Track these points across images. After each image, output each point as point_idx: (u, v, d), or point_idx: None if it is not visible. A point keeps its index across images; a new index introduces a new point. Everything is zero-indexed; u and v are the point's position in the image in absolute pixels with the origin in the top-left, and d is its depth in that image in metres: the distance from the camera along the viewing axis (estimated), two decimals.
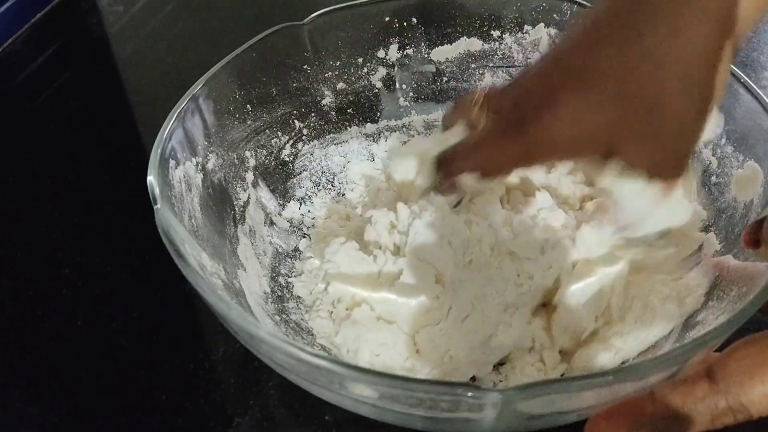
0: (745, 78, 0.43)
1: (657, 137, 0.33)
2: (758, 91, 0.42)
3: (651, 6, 0.32)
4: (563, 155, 0.36)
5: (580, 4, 0.51)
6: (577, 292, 0.42)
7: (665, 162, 0.34)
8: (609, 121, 0.33)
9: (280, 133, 0.51)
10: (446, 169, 0.40)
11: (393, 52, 0.55)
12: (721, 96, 0.37)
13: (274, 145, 0.51)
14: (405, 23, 0.54)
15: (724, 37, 0.33)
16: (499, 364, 0.43)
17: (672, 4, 0.32)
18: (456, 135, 0.43)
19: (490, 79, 0.56)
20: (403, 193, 0.46)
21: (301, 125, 0.52)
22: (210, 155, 0.45)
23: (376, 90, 0.55)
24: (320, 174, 0.54)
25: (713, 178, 0.46)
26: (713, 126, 0.41)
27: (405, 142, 0.55)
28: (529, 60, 0.55)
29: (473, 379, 0.42)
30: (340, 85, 0.54)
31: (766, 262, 0.36)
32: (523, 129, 0.35)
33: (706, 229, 0.45)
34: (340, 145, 0.55)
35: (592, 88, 0.33)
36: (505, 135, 0.36)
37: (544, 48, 0.53)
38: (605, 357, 0.41)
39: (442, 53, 0.55)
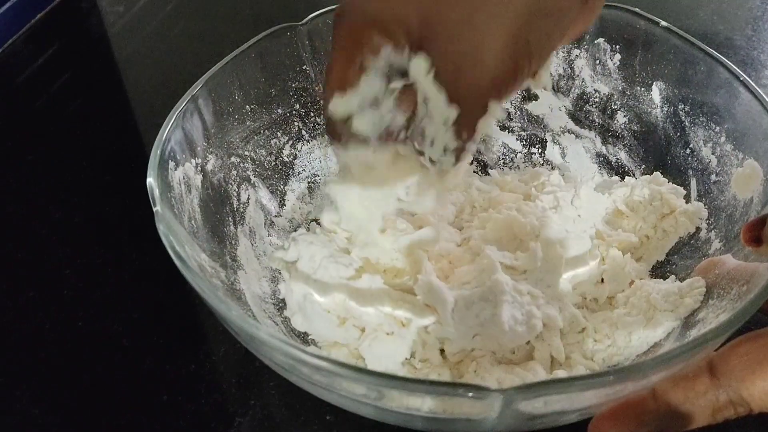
0: (745, 77, 0.43)
1: (467, 42, 0.31)
2: (758, 90, 0.42)
3: None
4: (372, 28, 0.32)
5: None
6: None
7: (467, 81, 0.31)
8: (427, 7, 0.31)
9: (279, 134, 0.51)
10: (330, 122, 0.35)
11: None
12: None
13: (273, 145, 0.51)
14: None
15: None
16: None
17: None
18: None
19: None
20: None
21: (301, 125, 0.52)
22: (209, 156, 0.45)
23: None
24: (320, 174, 0.54)
25: (713, 177, 0.46)
26: (546, 75, 0.37)
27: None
28: None
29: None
30: None
31: (767, 261, 0.36)
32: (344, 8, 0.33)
33: (706, 227, 0.45)
34: None
35: None
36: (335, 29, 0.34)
37: None
38: (602, 358, 0.41)
39: None
